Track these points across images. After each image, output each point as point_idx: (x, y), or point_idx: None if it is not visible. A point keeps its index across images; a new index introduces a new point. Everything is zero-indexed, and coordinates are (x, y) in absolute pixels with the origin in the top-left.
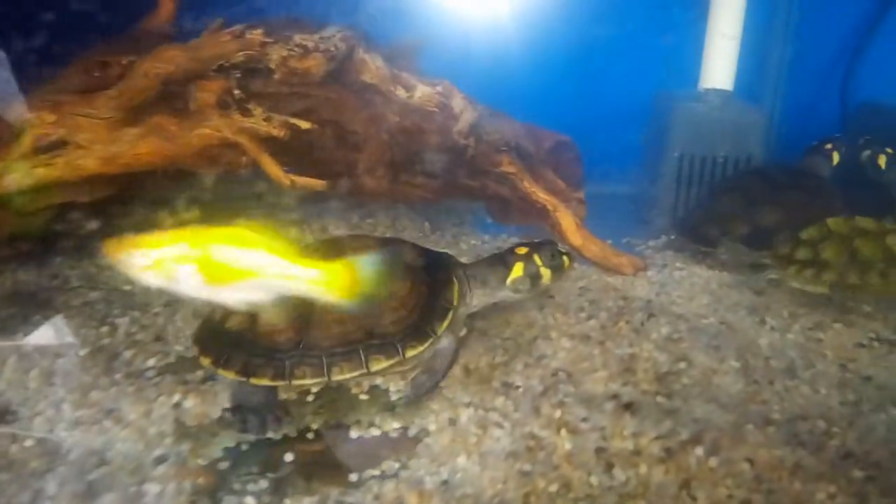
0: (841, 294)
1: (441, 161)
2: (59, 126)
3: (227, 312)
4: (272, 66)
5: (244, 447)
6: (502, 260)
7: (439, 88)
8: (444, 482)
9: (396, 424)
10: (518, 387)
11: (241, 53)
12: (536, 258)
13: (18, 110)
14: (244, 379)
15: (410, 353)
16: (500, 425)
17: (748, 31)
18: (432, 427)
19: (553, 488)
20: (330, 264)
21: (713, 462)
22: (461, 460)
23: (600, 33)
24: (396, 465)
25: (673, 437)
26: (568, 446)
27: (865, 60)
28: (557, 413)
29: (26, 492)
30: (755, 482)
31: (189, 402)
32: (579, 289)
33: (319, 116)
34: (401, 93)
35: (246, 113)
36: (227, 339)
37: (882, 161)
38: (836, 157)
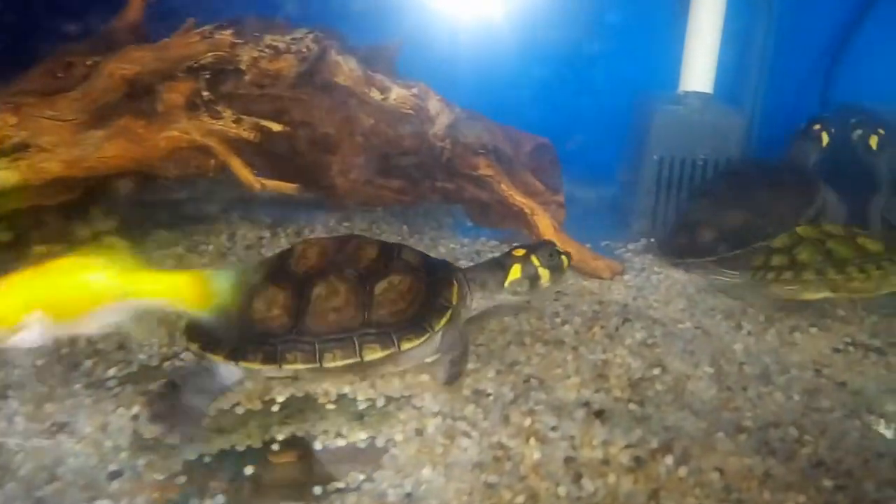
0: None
1: (417, 164)
2: (21, 128)
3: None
4: (243, 67)
5: (206, 459)
6: (500, 262)
7: (415, 90)
8: (408, 495)
9: (363, 434)
10: (489, 394)
11: (210, 54)
12: (534, 259)
13: None
14: (233, 362)
15: (406, 345)
16: (467, 435)
17: (728, 34)
18: (399, 437)
19: (519, 500)
20: (175, 276)
21: (682, 471)
22: (426, 472)
23: (580, 36)
24: (361, 477)
25: (643, 445)
26: (536, 456)
27: (845, 62)
28: (527, 421)
29: None
30: (724, 492)
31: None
32: (555, 293)
33: (291, 118)
34: (375, 95)
35: (215, 115)
36: (218, 325)
37: (874, 141)
38: (825, 138)
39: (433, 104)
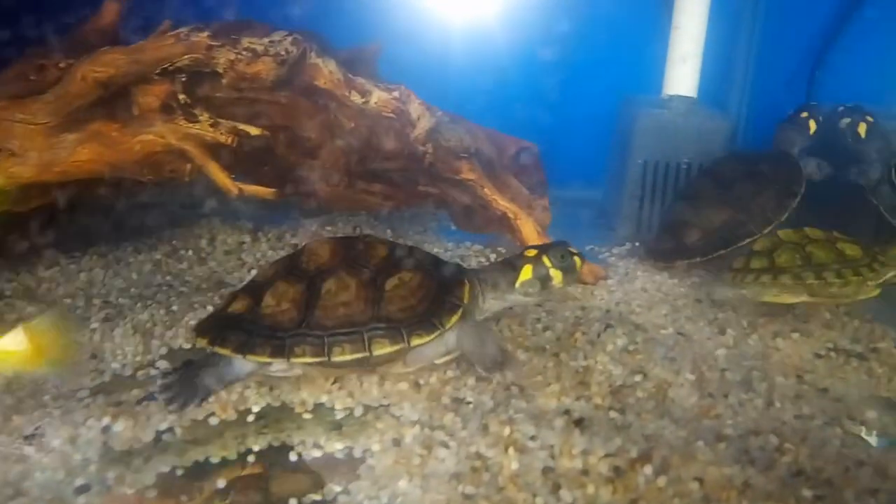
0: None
1: (399, 168)
2: None
3: (230, 301)
4: (220, 70)
5: (179, 472)
6: (511, 263)
7: (396, 94)
8: None
9: (340, 445)
10: (469, 402)
11: (186, 57)
12: (545, 260)
13: None
14: (240, 356)
15: (416, 341)
16: (445, 445)
17: (712, 37)
18: (376, 447)
19: None
20: None
21: (662, 481)
22: (403, 483)
23: (564, 39)
24: (337, 489)
25: (622, 455)
26: (514, 466)
27: (830, 65)
28: (506, 430)
29: None
30: (703, 502)
31: (119, 426)
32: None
33: (271, 122)
34: (356, 98)
35: (191, 118)
36: (228, 320)
37: (862, 129)
38: (812, 126)
39: (415, 108)
